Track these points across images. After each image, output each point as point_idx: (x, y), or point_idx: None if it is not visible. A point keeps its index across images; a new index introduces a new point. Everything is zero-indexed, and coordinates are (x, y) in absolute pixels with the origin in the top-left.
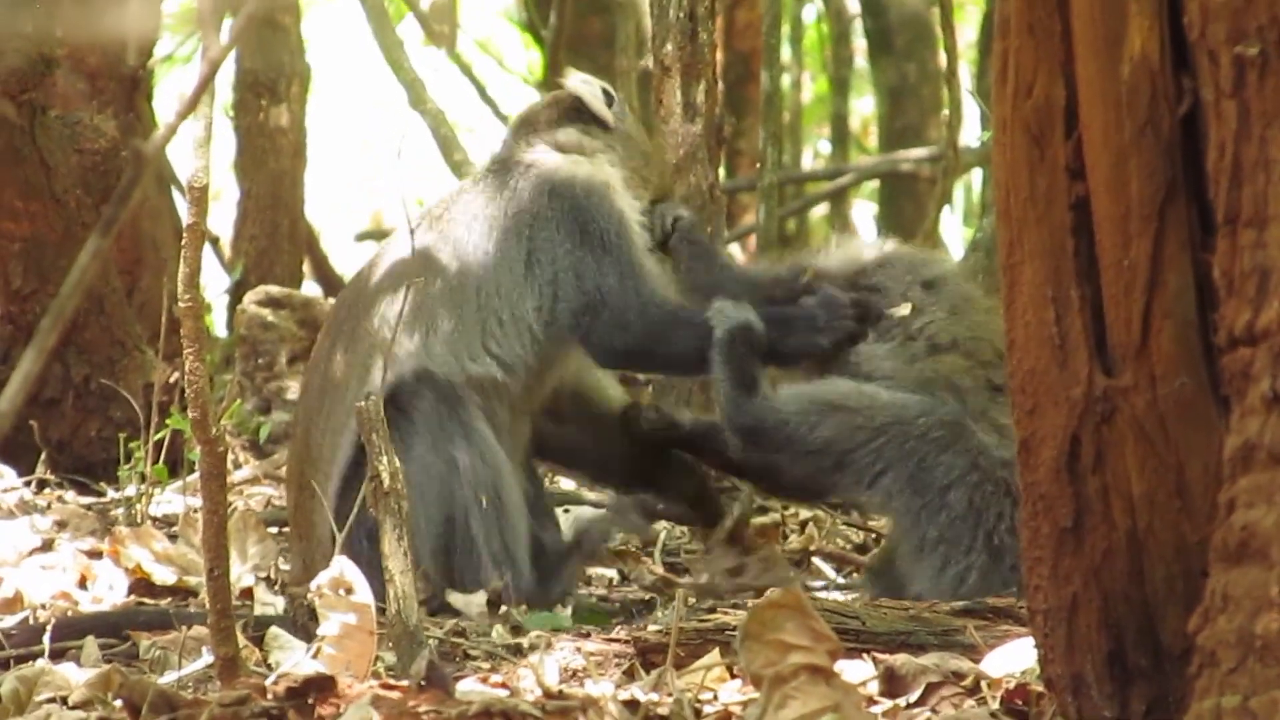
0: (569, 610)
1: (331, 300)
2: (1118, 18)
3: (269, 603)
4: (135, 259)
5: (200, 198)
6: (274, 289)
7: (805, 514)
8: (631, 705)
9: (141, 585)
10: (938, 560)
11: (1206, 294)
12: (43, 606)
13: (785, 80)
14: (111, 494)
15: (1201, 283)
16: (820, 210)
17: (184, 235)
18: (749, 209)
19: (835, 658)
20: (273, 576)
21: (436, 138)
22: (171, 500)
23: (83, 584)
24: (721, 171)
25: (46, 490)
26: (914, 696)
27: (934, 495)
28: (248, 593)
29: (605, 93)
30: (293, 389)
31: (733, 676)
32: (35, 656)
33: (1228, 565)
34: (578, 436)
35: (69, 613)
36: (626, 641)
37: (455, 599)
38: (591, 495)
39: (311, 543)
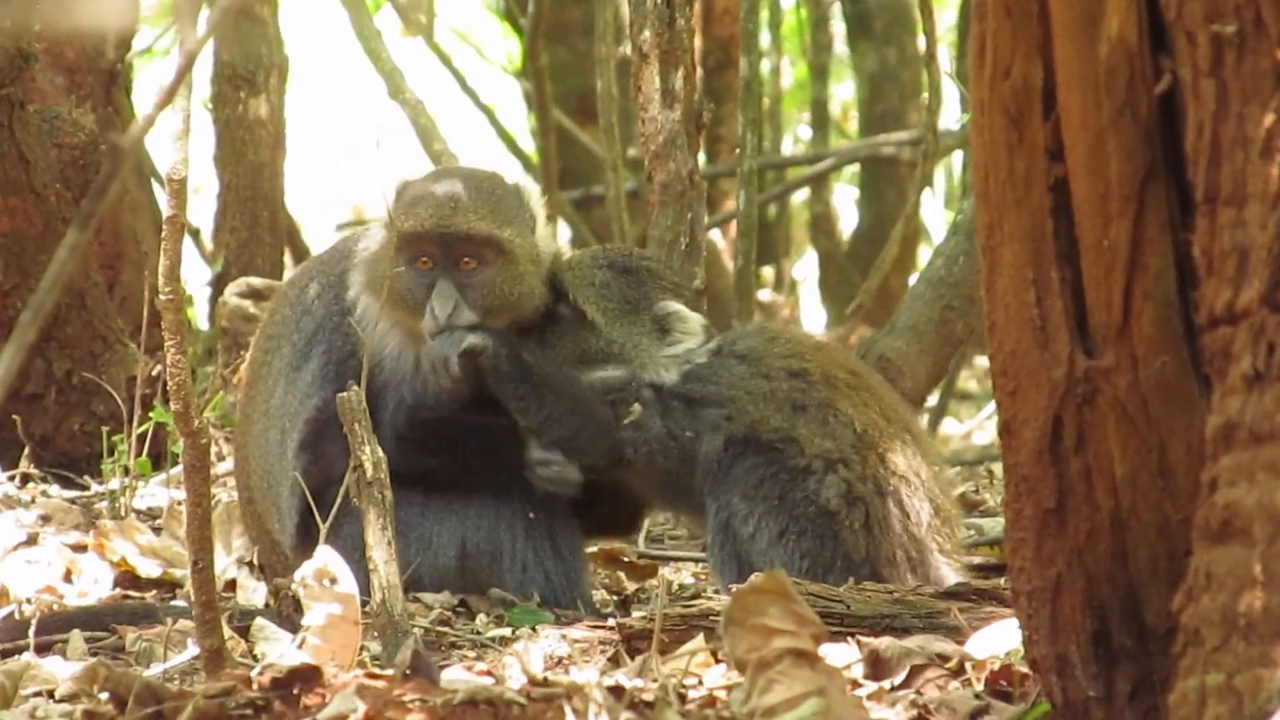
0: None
1: None
2: None
3: (252, 588)
4: (116, 253)
5: (180, 190)
6: (255, 280)
7: None
8: (616, 692)
9: (126, 578)
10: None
11: (1187, 274)
12: (28, 601)
13: (764, 66)
14: (95, 488)
15: (1181, 262)
16: (801, 195)
17: (164, 228)
18: (729, 195)
19: (819, 642)
20: (255, 561)
21: (416, 128)
22: (155, 494)
23: (68, 578)
24: (701, 158)
25: (30, 485)
26: (898, 679)
27: None
28: (232, 585)
29: None
30: None
31: (717, 662)
32: (21, 651)
33: (1211, 544)
34: None
35: (54, 607)
36: (611, 628)
37: (426, 596)
38: None
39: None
